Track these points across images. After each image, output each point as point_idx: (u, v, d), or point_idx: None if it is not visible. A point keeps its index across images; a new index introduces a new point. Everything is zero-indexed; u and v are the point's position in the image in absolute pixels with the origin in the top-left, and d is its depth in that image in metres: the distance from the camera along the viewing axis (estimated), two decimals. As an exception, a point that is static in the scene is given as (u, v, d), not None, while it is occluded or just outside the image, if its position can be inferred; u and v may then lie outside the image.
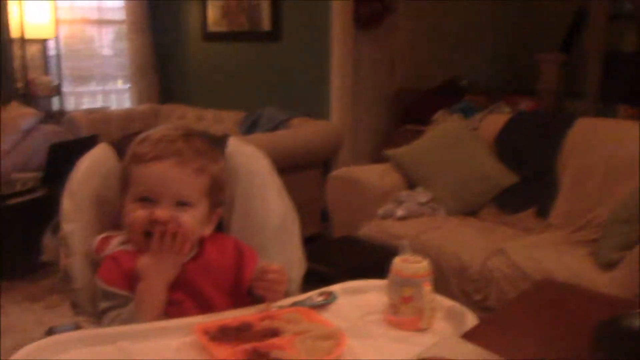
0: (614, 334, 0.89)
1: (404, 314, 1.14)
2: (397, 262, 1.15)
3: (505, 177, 3.30)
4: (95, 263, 1.25)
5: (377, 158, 4.13)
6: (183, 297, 1.21)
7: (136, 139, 1.26)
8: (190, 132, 1.28)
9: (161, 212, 1.18)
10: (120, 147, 1.38)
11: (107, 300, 1.19)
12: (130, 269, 1.19)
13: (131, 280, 1.18)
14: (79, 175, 1.32)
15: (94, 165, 1.35)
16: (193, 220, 1.22)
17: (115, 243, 1.25)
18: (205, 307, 1.21)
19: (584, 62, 5.64)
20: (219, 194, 1.31)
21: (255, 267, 1.25)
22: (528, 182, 3.26)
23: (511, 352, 0.85)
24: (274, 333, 1.04)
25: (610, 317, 0.93)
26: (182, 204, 1.21)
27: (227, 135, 1.52)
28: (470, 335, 0.94)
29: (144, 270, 1.17)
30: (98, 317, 1.19)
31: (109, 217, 1.34)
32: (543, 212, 3.12)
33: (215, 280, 1.25)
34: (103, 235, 1.27)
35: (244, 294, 1.26)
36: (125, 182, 1.24)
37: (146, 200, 1.19)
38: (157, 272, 1.18)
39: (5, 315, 3.06)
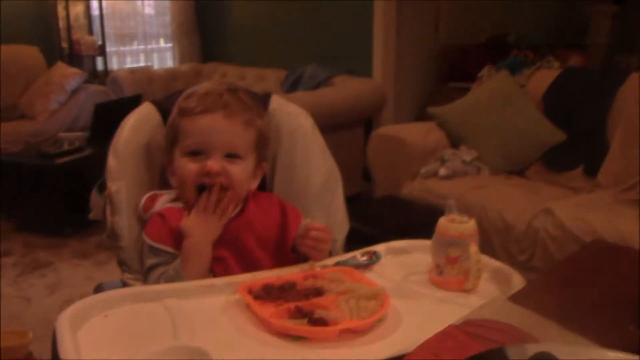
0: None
1: (449, 274, 1.12)
2: (443, 222, 1.13)
3: (553, 135, 3.21)
4: (142, 221, 1.27)
5: (421, 116, 4.07)
6: (227, 254, 1.22)
7: (183, 94, 1.27)
8: (235, 87, 1.28)
9: (213, 163, 1.19)
10: (164, 105, 1.38)
11: (154, 256, 1.20)
12: (177, 226, 1.20)
13: (178, 237, 1.19)
14: (124, 134, 1.33)
15: (138, 124, 1.35)
16: (242, 172, 1.24)
17: (163, 201, 1.27)
18: (249, 264, 1.22)
19: (637, 14, 5.41)
20: (264, 149, 1.32)
21: (299, 226, 1.24)
22: (576, 140, 3.16)
23: (561, 315, 0.83)
24: (318, 292, 1.04)
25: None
26: (231, 155, 1.22)
27: (270, 93, 1.51)
28: (517, 298, 0.92)
29: (189, 228, 1.18)
30: (144, 274, 1.21)
31: (155, 175, 1.35)
32: (591, 171, 3.03)
33: (258, 238, 1.25)
34: (150, 193, 1.29)
35: (288, 253, 1.27)
36: (173, 136, 1.25)
37: (196, 153, 1.21)
38: (202, 229, 1.18)
39: (56, 272, 3.16)
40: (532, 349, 0.70)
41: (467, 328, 0.78)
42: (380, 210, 2.95)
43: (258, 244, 1.25)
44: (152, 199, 1.27)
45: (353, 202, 3.66)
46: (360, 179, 4.04)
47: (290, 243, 1.27)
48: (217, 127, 1.21)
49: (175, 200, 1.27)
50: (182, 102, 1.25)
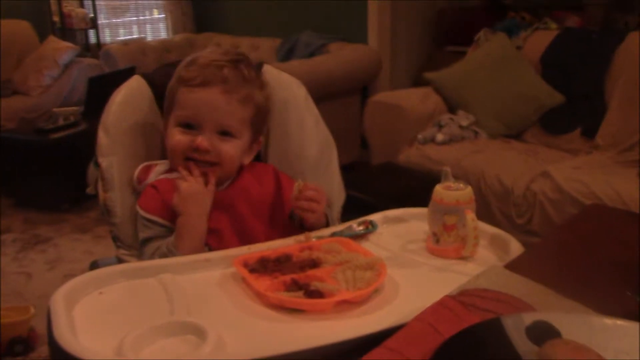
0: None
1: (446, 242, 1.11)
2: (439, 190, 1.12)
3: (551, 97, 3.19)
4: (136, 192, 1.26)
5: (417, 82, 4.03)
6: (222, 225, 1.21)
7: (184, 61, 1.25)
8: (239, 58, 1.24)
9: (202, 141, 1.18)
10: (153, 78, 1.36)
11: (147, 229, 1.19)
12: (170, 198, 1.19)
13: (172, 209, 1.18)
14: (113, 109, 1.31)
15: (127, 98, 1.33)
16: (234, 150, 1.22)
17: (156, 172, 1.25)
18: (244, 233, 1.21)
19: (636, -27, 5.33)
20: (262, 123, 1.31)
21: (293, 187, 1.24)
22: (574, 102, 3.14)
23: (559, 282, 0.82)
24: (314, 264, 1.03)
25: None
26: (224, 133, 1.21)
27: (262, 63, 1.48)
28: (514, 265, 0.91)
29: (179, 205, 1.17)
30: (139, 248, 1.20)
31: (147, 149, 1.33)
32: (589, 133, 3.02)
33: (254, 208, 1.24)
34: (144, 164, 1.27)
35: (284, 220, 1.26)
36: (169, 103, 1.24)
37: (188, 126, 1.20)
38: (193, 205, 1.17)
39: (56, 247, 3.16)
40: (529, 317, 0.69)
41: (463, 298, 0.77)
42: (377, 177, 2.94)
43: (253, 212, 1.24)
44: (146, 170, 1.26)
45: (350, 170, 3.66)
46: (358, 146, 4.02)
47: (287, 211, 1.26)
48: (212, 102, 1.18)
49: (169, 171, 1.26)
50: (182, 69, 1.22)
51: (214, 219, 1.20)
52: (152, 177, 1.25)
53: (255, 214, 1.24)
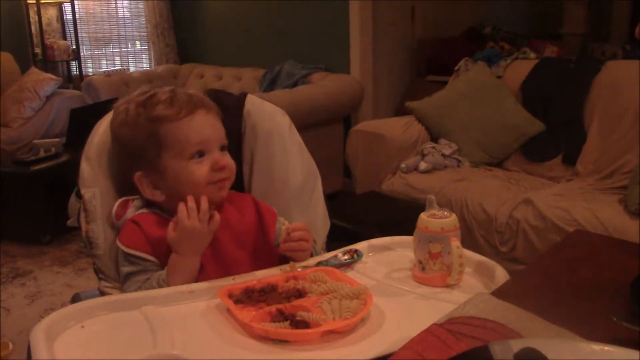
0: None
1: (431, 270, 1.11)
2: (424, 218, 1.12)
3: (531, 126, 3.23)
4: (115, 228, 1.24)
5: (400, 111, 4.06)
6: (206, 259, 1.18)
7: (145, 102, 1.20)
8: (172, 86, 1.28)
9: (221, 158, 1.20)
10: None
11: (130, 265, 1.17)
12: (152, 233, 1.17)
13: (155, 244, 1.17)
14: (96, 139, 1.30)
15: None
16: (233, 161, 1.25)
17: (134, 206, 1.24)
18: (227, 265, 1.19)
19: (610, 3, 5.45)
20: None
21: (278, 229, 1.23)
22: (554, 130, 3.18)
23: (546, 309, 0.82)
24: (299, 294, 1.02)
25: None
26: (223, 148, 1.23)
27: (245, 93, 1.49)
28: (501, 292, 0.91)
29: (178, 243, 1.13)
30: (121, 283, 1.18)
31: (130, 181, 1.31)
32: (570, 160, 3.06)
33: (236, 237, 1.23)
34: (121, 200, 1.26)
35: (267, 250, 1.24)
36: (156, 147, 1.18)
37: (201, 154, 1.19)
38: (191, 243, 1.13)
39: (35, 280, 3.11)
40: (517, 345, 0.69)
41: (450, 326, 0.76)
42: (361, 206, 2.94)
43: (236, 244, 1.23)
44: (124, 206, 1.24)
45: (334, 199, 3.65)
46: (341, 175, 4.03)
47: (269, 240, 1.25)
48: (208, 124, 1.21)
49: (148, 205, 1.24)
50: (153, 110, 1.18)
51: None
52: (130, 212, 1.23)
53: (238, 245, 1.23)
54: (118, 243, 1.19)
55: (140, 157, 1.20)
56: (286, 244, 1.18)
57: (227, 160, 1.22)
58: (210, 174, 1.18)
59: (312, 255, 1.25)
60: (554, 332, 0.77)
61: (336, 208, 2.89)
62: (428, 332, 0.75)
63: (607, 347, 0.69)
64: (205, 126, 1.20)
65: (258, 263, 1.21)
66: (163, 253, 1.17)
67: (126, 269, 1.17)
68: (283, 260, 1.22)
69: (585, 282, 0.97)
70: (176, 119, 1.18)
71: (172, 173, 1.18)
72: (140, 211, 1.23)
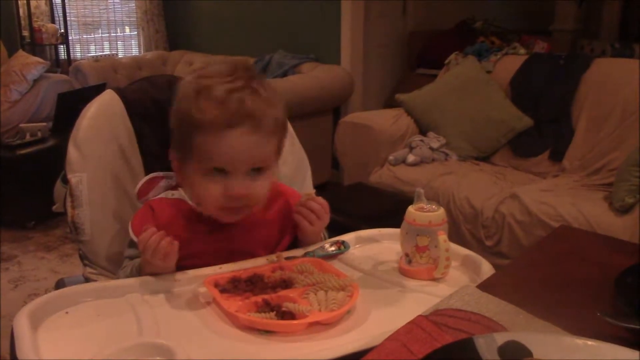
0: (636, 282, 0.86)
1: (418, 263, 1.11)
2: (412, 211, 1.12)
3: (520, 121, 3.24)
4: (137, 207, 1.20)
5: (389, 103, 4.07)
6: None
7: (186, 89, 1.09)
8: (250, 75, 1.10)
9: (239, 187, 1.07)
10: (126, 93, 1.34)
11: (133, 247, 1.13)
12: (164, 220, 1.12)
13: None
14: (84, 123, 1.28)
15: (99, 113, 1.30)
16: (266, 184, 1.12)
17: (160, 187, 1.19)
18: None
19: (601, 1, 5.48)
20: (285, 137, 1.18)
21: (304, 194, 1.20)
22: (542, 125, 3.20)
23: (530, 302, 0.83)
24: (286, 284, 1.02)
25: (633, 264, 0.91)
26: (257, 170, 1.09)
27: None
28: (486, 286, 0.92)
29: (144, 253, 1.06)
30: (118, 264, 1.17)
31: (118, 165, 1.30)
32: (557, 156, 3.08)
33: (261, 244, 1.18)
34: (150, 176, 1.20)
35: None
36: (182, 146, 1.10)
37: (219, 171, 1.08)
38: (152, 268, 1.07)
39: (20, 265, 3.09)
40: (501, 337, 0.69)
41: (435, 318, 0.77)
42: (349, 198, 2.94)
43: (261, 248, 1.18)
44: (150, 184, 1.19)
45: (322, 190, 3.64)
46: (329, 167, 4.03)
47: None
48: (243, 144, 1.05)
49: (174, 187, 1.19)
50: (194, 110, 1.06)
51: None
52: (153, 193, 1.18)
53: (263, 247, 1.19)
54: (130, 224, 1.15)
55: (176, 145, 1.14)
56: (299, 207, 1.16)
57: (249, 187, 1.08)
58: (222, 198, 1.08)
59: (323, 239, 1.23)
60: (539, 326, 0.78)
61: (324, 199, 2.90)
62: (413, 323, 0.75)
63: (590, 342, 0.70)
64: (236, 145, 1.05)
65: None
66: None
67: (127, 251, 1.15)
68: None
69: (570, 277, 0.98)
70: (211, 128, 1.05)
71: (191, 177, 1.11)
72: (163, 194, 1.18)
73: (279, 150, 1.15)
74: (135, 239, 1.10)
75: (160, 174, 1.21)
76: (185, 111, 1.08)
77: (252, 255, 1.15)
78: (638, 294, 0.83)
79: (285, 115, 1.15)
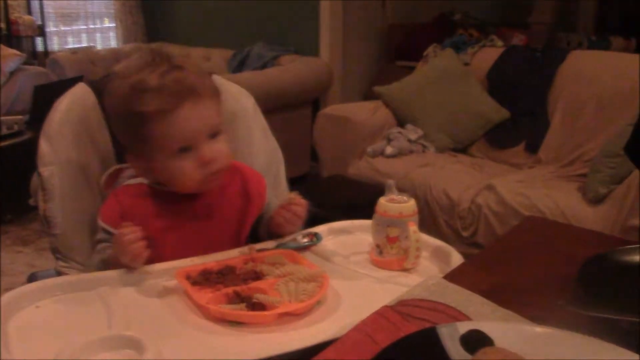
0: (599, 272, 0.88)
1: (389, 254, 1.13)
2: (382, 202, 1.14)
3: (496, 113, 3.27)
4: (103, 198, 1.21)
5: (368, 95, 4.08)
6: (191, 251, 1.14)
7: (119, 91, 1.12)
8: (170, 57, 1.16)
9: (210, 153, 1.11)
10: (99, 86, 1.33)
11: (103, 233, 1.15)
12: (129, 207, 1.15)
13: (129, 219, 1.13)
14: (57, 117, 1.28)
15: (71, 106, 1.29)
16: (226, 145, 1.16)
17: (124, 177, 1.21)
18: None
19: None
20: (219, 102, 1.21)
21: (269, 199, 1.23)
22: (519, 117, 3.23)
23: (495, 292, 0.85)
24: (257, 276, 1.03)
25: (596, 254, 0.92)
26: (213, 135, 1.14)
27: (210, 74, 1.48)
28: (454, 275, 0.93)
29: (115, 248, 1.08)
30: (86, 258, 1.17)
31: (90, 158, 1.29)
32: (533, 148, 3.11)
33: (220, 227, 1.20)
34: (114, 168, 1.23)
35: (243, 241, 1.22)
36: (142, 145, 1.12)
37: (185, 149, 1.11)
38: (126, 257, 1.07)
39: (-4, 259, 3.07)
40: (464, 326, 0.71)
41: (400, 308, 0.78)
42: (327, 189, 2.96)
43: (219, 231, 1.20)
44: (114, 175, 1.22)
45: (301, 182, 3.65)
46: (309, 159, 4.04)
47: (246, 234, 1.23)
48: (195, 116, 1.10)
49: (137, 175, 1.20)
50: (133, 103, 1.09)
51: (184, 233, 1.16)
52: (119, 183, 1.20)
53: (221, 231, 1.20)
54: (97, 214, 1.17)
55: (129, 146, 1.17)
56: (282, 209, 1.18)
57: (217, 150, 1.12)
58: (199, 171, 1.11)
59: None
60: (503, 315, 0.80)
61: (302, 191, 2.90)
62: (378, 314, 0.76)
63: (550, 330, 0.72)
64: (189, 120, 1.09)
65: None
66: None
67: (99, 236, 1.16)
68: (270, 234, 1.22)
69: (536, 267, 0.99)
70: (160, 113, 1.08)
71: (159, 167, 1.13)
72: (128, 182, 1.20)
73: (220, 115, 1.19)
74: (103, 225, 1.14)
75: (125, 165, 1.23)
76: (129, 111, 1.10)
77: (217, 228, 1.18)
78: (599, 283, 0.85)
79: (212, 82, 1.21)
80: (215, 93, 1.17)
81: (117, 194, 1.18)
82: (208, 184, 1.15)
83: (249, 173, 1.27)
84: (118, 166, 1.24)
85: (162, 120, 1.08)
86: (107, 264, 1.10)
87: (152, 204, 1.17)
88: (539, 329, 0.72)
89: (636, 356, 0.67)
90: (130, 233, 1.04)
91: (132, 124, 1.12)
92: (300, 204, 1.19)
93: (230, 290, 0.97)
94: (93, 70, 4.64)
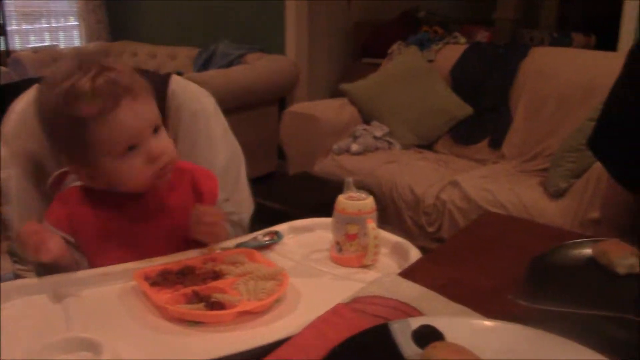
0: (548, 265, 0.90)
1: (348, 251, 1.14)
2: (341, 200, 1.15)
3: (461, 109, 3.31)
4: (51, 200, 1.21)
5: (335, 93, 4.09)
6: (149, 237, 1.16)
7: (51, 98, 1.08)
8: (100, 64, 1.11)
9: (156, 146, 1.11)
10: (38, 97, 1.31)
11: None
12: (75, 209, 1.15)
13: (74, 222, 1.14)
14: (13, 118, 1.27)
15: (28, 108, 1.29)
16: (169, 139, 1.16)
17: (71, 179, 1.21)
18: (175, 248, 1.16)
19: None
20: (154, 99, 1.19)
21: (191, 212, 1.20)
22: (482, 113, 3.28)
23: (448, 288, 0.86)
24: (216, 276, 1.03)
25: (545, 248, 0.95)
26: (157, 129, 1.13)
27: (170, 74, 1.48)
28: (410, 271, 0.95)
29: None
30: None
31: (48, 161, 1.29)
32: (496, 144, 3.16)
33: (172, 228, 1.19)
34: (60, 171, 1.22)
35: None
36: (84, 151, 1.10)
37: (132, 148, 1.10)
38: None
39: (-42, 263, 3.01)
40: (415, 322, 0.72)
41: (355, 305, 0.79)
42: (294, 187, 2.96)
43: (176, 228, 1.19)
44: (61, 178, 1.21)
45: (268, 180, 3.64)
46: (276, 157, 4.04)
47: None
48: (134, 114, 1.08)
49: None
50: (68, 109, 1.06)
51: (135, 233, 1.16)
52: (65, 185, 1.20)
53: (178, 226, 1.19)
54: (44, 218, 1.16)
55: (69, 154, 1.14)
56: (197, 227, 1.15)
57: (163, 144, 1.12)
58: (148, 167, 1.11)
59: (235, 236, 1.25)
60: (455, 309, 0.81)
61: (269, 189, 2.91)
62: (333, 311, 0.77)
63: (499, 323, 0.73)
64: (132, 117, 1.08)
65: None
66: (84, 231, 1.14)
67: None
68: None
69: (491, 262, 1.01)
70: (99, 116, 1.06)
71: (106, 170, 1.11)
72: (75, 184, 1.19)
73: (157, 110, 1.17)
74: (50, 228, 1.12)
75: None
76: (66, 119, 1.07)
77: (167, 227, 1.18)
78: (548, 276, 0.87)
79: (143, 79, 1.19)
80: (148, 89, 1.15)
81: (63, 196, 1.17)
82: (158, 180, 1.14)
83: (200, 172, 1.27)
84: (64, 169, 1.22)
85: (103, 122, 1.06)
86: (42, 266, 1.09)
87: (100, 206, 1.16)
88: (487, 323, 0.74)
89: (581, 347, 0.69)
90: (33, 226, 1.04)
91: (71, 131, 1.08)
92: (211, 213, 1.16)
93: (189, 290, 0.98)
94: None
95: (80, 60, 1.11)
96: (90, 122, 1.06)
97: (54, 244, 1.04)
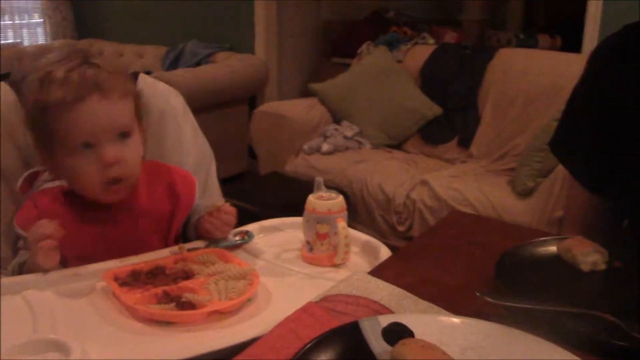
0: (514, 263, 0.92)
1: (319, 250, 1.14)
2: (311, 200, 1.15)
3: (430, 109, 3.34)
4: (20, 203, 1.18)
5: (305, 92, 4.10)
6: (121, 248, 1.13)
7: (30, 84, 1.10)
8: (87, 55, 1.14)
9: (109, 153, 1.08)
10: (22, 85, 1.30)
11: (21, 241, 1.12)
12: (47, 211, 1.11)
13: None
14: (-23, 119, 1.25)
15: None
16: (136, 150, 1.13)
17: (42, 180, 1.18)
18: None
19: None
20: (141, 111, 1.20)
21: (196, 205, 1.22)
22: (451, 113, 3.31)
23: (417, 286, 0.88)
24: (187, 276, 1.03)
25: (512, 246, 0.97)
26: (122, 135, 1.10)
27: (137, 73, 1.46)
28: (379, 270, 0.96)
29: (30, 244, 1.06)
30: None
31: (12, 160, 1.27)
32: (465, 143, 3.20)
33: (152, 223, 1.19)
34: (29, 172, 1.19)
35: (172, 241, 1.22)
36: (47, 139, 1.10)
37: (88, 146, 1.08)
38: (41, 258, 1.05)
39: None
40: (385, 319, 0.73)
41: (325, 304, 0.80)
42: (264, 187, 2.96)
43: (152, 229, 1.19)
44: (31, 178, 1.18)
45: (238, 180, 3.63)
46: (246, 156, 4.03)
47: (175, 234, 1.22)
48: (97, 113, 1.06)
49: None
50: (39, 94, 1.07)
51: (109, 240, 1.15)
52: (36, 187, 1.18)
53: (154, 230, 1.19)
54: (13, 219, 1.14)
55: (37, 143, 1.14)
56: (210, 217, 1.16)
57: (122, 154, 1.09)
58: (98, 173, 1.08)
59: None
60: (424, 307, 0.82)
61: (239, 189, 2.90)
62: (303, 310, 0.78)
63: (466, 320, 0.75)
64: (93, 114, 1.06)
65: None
66: None
67: (19, 243, 1.13)
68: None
69: (457, 260, 1.03)
70: (61, 106, 1.05)
71: (60, 164, 1.11)
72: (46, 185, 1.17)
73: (138, 116, 1.16)
74: (20, 231, 1.10)
75: (41, 168, 1.20)
76: (35, 103, 1.09)
77: (143, 230, 1.17)
78: (514, 274, 0.89)
79: (134, 84, 1.19)
80: (129, 94, 1.13)
81: (34, 198, 1.15)
82: (110, 194, 1.12)
83: (177, 173, 1.26)
84: (35, 169, 1.20)
85: (64, 111, 1.06)
86: (22, 268, 1.08)
87: (72, 208, 1.14)
88: (455, 319, 0.75)
89: (547, 343, 0.70)
90: (46, 227, 1.02)
91: (37, 116, 1.09)
92: (230, 212, 1.18)
93: (159, 290, 0.97)
94: (20, 68, 4.50)
95: (70, 52, 1.13)
96: (55, 109, 1.06)
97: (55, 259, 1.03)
